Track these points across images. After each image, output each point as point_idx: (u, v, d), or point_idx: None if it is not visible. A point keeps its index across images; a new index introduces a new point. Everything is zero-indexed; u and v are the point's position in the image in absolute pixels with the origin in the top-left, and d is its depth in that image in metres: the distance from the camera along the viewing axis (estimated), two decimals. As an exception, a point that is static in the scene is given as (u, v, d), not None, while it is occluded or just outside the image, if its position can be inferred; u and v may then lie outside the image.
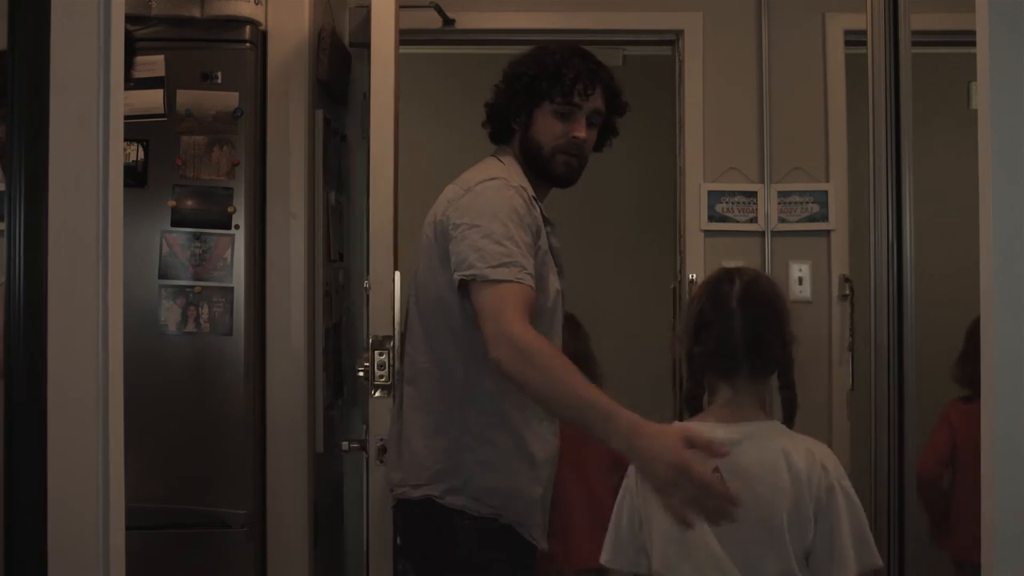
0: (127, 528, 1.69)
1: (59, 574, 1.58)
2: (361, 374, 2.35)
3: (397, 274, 2.28)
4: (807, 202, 3.61)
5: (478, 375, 2.08)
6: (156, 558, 2.76)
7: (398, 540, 2.26)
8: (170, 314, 2.87)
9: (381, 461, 2.20)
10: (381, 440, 2.20)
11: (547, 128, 2.21)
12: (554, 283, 2.18)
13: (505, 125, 2.28)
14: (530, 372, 1.85)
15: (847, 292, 3.56)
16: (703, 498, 1.61)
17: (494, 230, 2.00)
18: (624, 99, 2.31)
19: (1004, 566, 1.61)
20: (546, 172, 2.23)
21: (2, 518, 1.58)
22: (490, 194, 2.08)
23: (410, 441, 2.15)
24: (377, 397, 2.24)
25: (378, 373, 2.23)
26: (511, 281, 1.95)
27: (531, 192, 2.17)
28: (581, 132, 2.21)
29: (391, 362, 2.24)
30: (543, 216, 2.18)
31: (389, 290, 2.26)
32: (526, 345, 1.86)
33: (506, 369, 1.88)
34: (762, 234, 3.59)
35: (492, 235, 1.99)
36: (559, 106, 2.20)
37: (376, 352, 2.24)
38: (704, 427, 1.83)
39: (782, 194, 3.60)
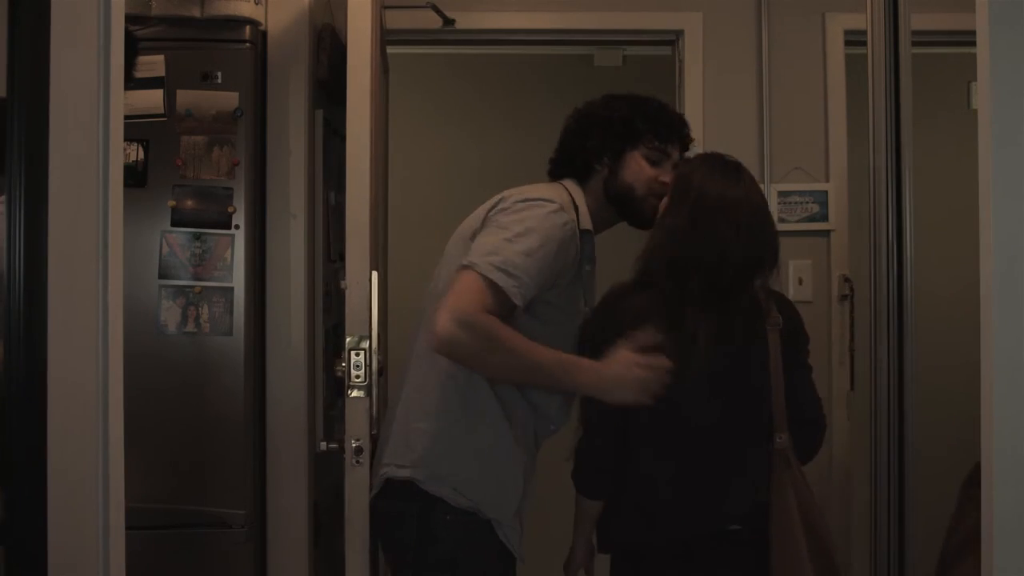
0: (127, 528, 1.69)
1: (59, 574, 1.58)
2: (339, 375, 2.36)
3: (374, 274, 2.27)
4: (807, 202, 3.61)
5: (483, 380, 2.15)
6: (156, 558, 2.76)
7: (381, 527, 2.28)
8: (170, 314, 2.86)
9: (358, 462, 2.21)
10: (357, 440, 2.21)
11: (639, 171, 2.30)
12: (582, 311, 2.27)
13: (583, 164, 2.33)
14: (491, 351, 1.99)
15: (847, 292, 3.56)
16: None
17: (517, 243, 2.05)
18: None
19: (1005, 566, 1.61)
20: (635, 214, 2.32)
21: (2, 518, 1.58)
22: (538, 213, 2.12)
23: (401, 420, 2.21)
24: (354, 397, 2.24)
25: (355, 373, 2.23)
26: (499, 287, 2.00)
27: (583, 227, 2.23)
28: (668, 178, 2.29)
29: (368, 362, 2.24)
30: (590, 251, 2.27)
31: (366, 290, 2.25)
32: (487, 328, 1.97)
33: (462, 350, 1.98)
34: (762, 234, 3.59)
35: (512, 243, 2.04)
36: (652, 151, 2.30)
37: (352, 352, 2.23)
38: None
39: (782, 194, 3.60)
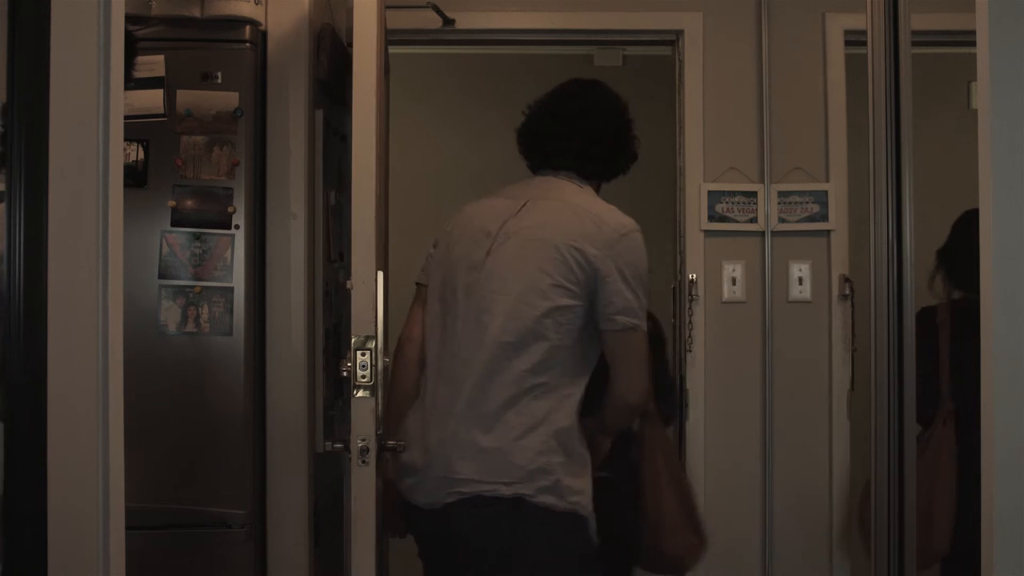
0: (127, 528, 1.69)
1: (59, 574, 1.58)
2: (345, 374, 2.37)
3: (380, 274, 2.27)
4: (807, 202, 3.61)
5: (576, 391, 2.31)
6: (156, 558, 2.76)
7: (469, 537, 2.28)
8: (170, 314, 2.87)
9: (364, 462, 2.21)
10: (363, 440, 2.21)
11: None
12: None
13: (614, 168, 2.55)
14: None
15: (847, 292, 3.56)
16: None
17: (646, 286, 2.34)
18: None
19: (1003, 564, 1.61)
20: None
21: (3, 518, 1.58)
22: (640, 248, 2.35)
23: (485, 435, 2.24)
24: (359, 397, 2.23)
25: (360, 373, 2.23)
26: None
27: None
28: None
29: (374, 362, 2.24)
30: None
31: (371, 289, 2.25)
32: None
33: (640, 407, 2.43)
34: (762, 234, 3.60)
35: (647, 291, 2.33)
36: None
37: (358, 352, 2.23)
38: None
39: (782, 194, 3.60)
